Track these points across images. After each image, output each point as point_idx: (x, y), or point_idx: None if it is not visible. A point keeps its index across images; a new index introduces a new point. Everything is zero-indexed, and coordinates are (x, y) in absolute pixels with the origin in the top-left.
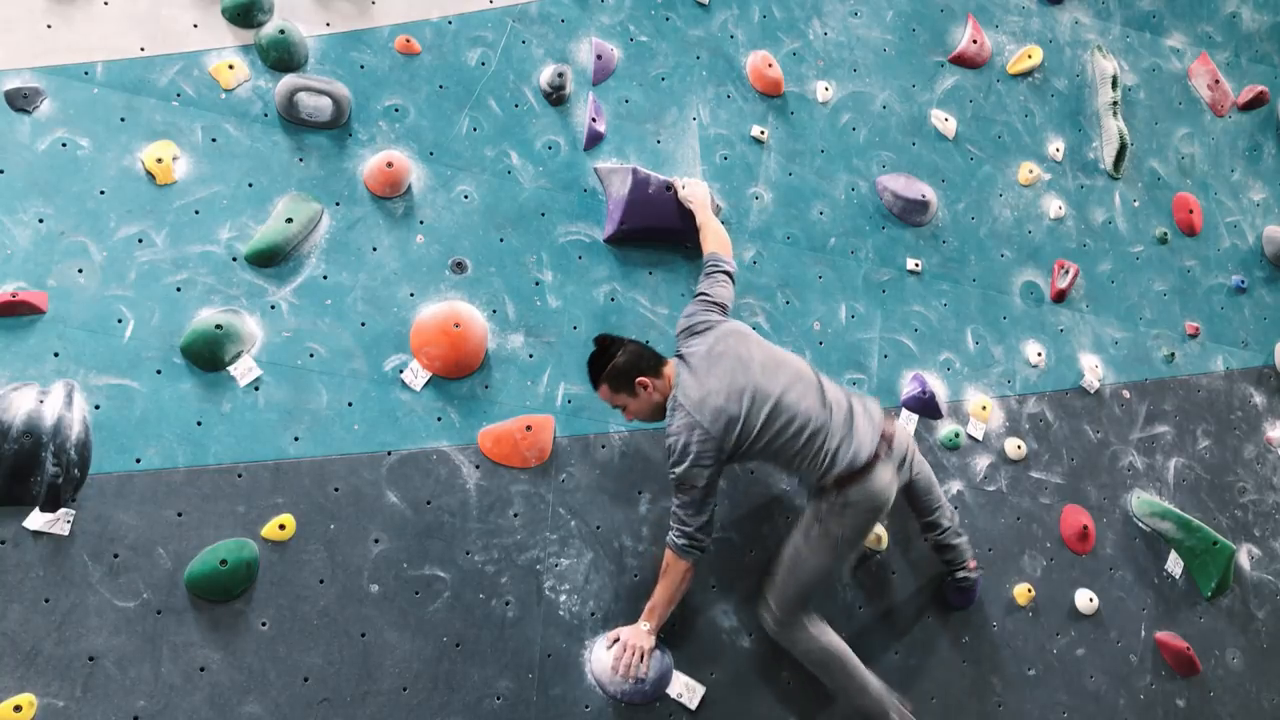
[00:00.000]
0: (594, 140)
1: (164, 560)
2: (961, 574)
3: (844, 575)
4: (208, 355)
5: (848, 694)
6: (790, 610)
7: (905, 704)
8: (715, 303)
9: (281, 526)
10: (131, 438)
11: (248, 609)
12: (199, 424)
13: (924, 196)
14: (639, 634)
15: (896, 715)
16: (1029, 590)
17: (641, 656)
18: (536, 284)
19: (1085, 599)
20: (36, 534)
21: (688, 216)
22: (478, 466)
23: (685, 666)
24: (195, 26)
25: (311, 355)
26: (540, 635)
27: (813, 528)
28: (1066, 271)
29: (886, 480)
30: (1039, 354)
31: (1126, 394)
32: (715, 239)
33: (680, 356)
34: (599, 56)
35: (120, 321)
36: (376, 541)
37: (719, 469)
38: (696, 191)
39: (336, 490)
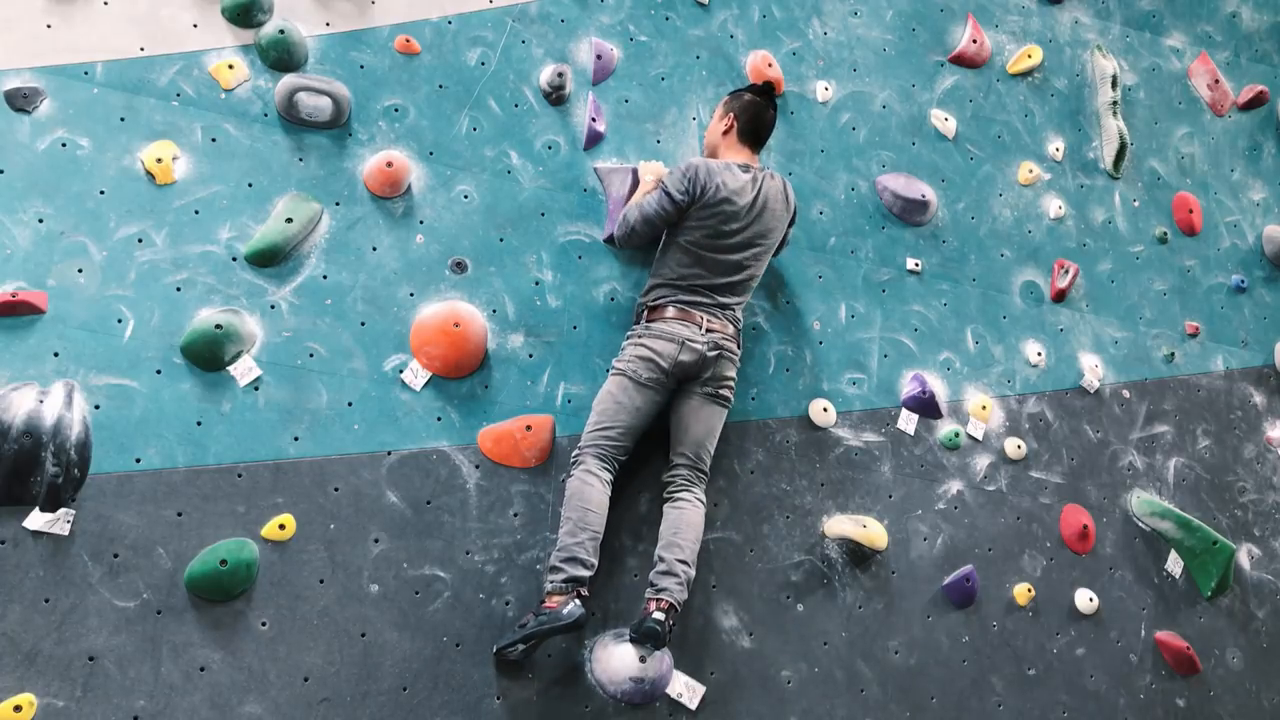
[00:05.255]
0: (594, 140)
1: (164, 560)
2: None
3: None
4: (208, 355)
5: (562, 534)
6: (583, 444)
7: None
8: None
9: (281, 526)
10: (131, 438)
11: (248, 609)
12: (199, 424)
13: (924, 196)
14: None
15: (567, 578)
16: (1029, 590)
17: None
18: (536, 284)
19: (1085, 599)
20: (36, 534)
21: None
22: (478, 466)
23: (685, 666)
24: (195, 26)
25: (311, 355)
26: None
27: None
28: (1066, 271)
29: (679, 331)
30: (1039, 354)
31: (1126, 394)
32: None
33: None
34: (599, 56)
35: (120, 321)
36: (376, 541)
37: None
38: (654, 168)
39: (336, 490)
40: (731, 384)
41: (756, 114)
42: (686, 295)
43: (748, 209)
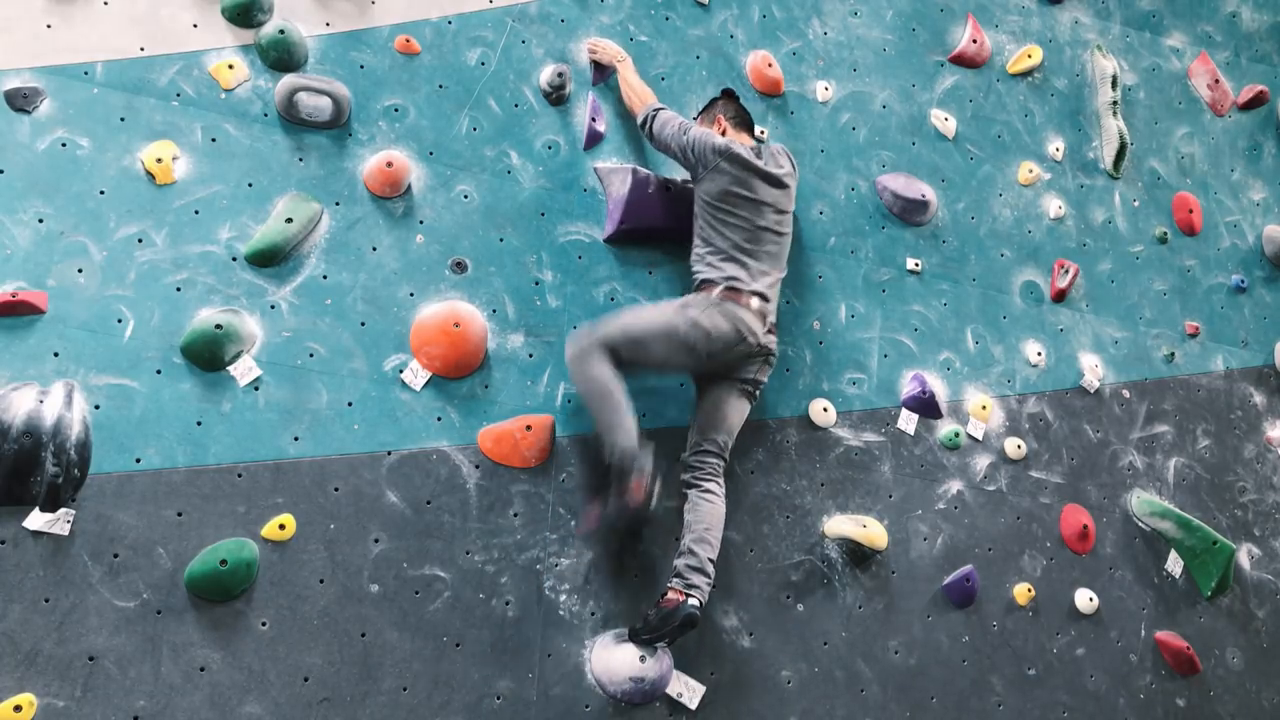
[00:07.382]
0: (594, 140)
1: (164, 560)
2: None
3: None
4: (208, 355)
5: (609, 429)
6: (597, 344)
7: (647, 469)
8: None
9: (281, 526)
10: (131, 438)
11: (248, 609)
12: (199, 424)
13: (924, 196)
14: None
15: (639, 463)
16: (1029, 590)
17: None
18: (536, 284)
19: (1085, 599)
20: (36, 534)
21: (681, 202)
22: (478, 466)
23: (685, 666)
24: (195, 26)
25: (311, 355)
26: (540, 635)
27: (674, 305)
28: (1066, 271)
29: (748, 322)
30: (1039, 354)
31: (1126, 394)
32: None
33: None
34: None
35: (120, 321)
36: (376, 541)
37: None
38: (611, 49)
39: (336, 490)
40: (764, 386)
41: (736, 106)
42: (742, 273)
43: (764, 174)
